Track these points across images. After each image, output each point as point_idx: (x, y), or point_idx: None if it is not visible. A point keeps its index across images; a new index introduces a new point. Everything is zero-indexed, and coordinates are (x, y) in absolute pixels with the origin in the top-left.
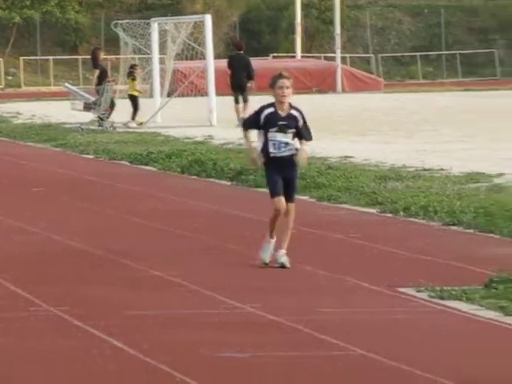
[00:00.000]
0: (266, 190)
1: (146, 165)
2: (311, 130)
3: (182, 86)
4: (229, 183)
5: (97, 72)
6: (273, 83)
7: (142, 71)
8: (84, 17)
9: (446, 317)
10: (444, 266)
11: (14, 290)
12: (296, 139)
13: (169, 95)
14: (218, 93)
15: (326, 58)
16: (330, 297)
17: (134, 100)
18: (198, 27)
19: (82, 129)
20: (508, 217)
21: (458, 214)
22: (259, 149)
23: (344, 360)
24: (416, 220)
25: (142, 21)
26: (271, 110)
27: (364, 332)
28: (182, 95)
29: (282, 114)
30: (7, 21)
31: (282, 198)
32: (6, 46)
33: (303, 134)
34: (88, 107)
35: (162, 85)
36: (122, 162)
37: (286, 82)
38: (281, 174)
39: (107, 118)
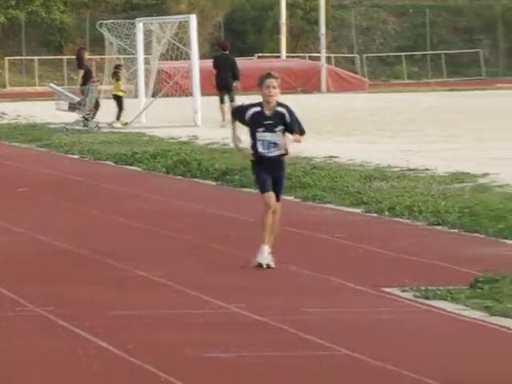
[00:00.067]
0: (251, 190)
1: (131, 165)
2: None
3: (167, 86)
4: (214, 183)
5: (81, 72)
6: (260, 82)
7: (126, 71)
8: (69, 17)
9: (431, 317)
10: (429, 266)
11: (0, 291)
12: (287, 134)
13: (153, 95)
14: (203, 93)
15: (310, 58)
16: (315, 297)
17: (118, 100)
18: (183, 27)
19: (67, 129)
20: (493, 216)
21: (442, 214)
22: (247, 145)
23: (329, 360)
24: (401, 220)
25: (127, 21)
26: (257, 109)
27: (349, 332)
28: (167, 95)
29: (268, 113)
30: None
31: (272, 194)
32: None
33: (294, 128)
34: (73, 107)
35: (146, 85)
36: (107, 162)
37: (274, 82)
38: (269, 173)
39: (92, 118)
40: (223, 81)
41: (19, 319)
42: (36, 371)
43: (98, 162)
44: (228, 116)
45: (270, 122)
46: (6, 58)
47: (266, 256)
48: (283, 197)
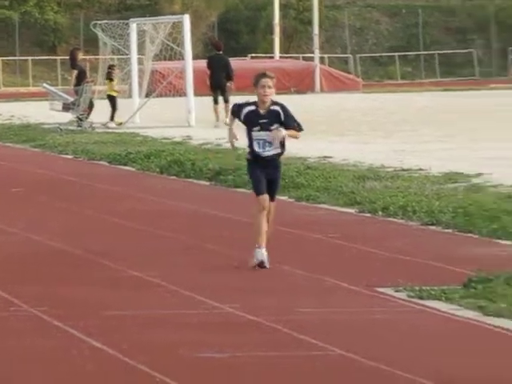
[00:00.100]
0: (244, 190)
1: (125, 165)
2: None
3: (161, 86)
4: (207, 183)
5: (75, 72)
6: (256, 82)
7: (120, 71)
8: (63, 17)
9: (425, 317)
10: (423, 266)
11: None
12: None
13: (147, 96)
14: (197, 93)
15: (304, 59)
16: (308, 297)
17: (112, 100)
18: (177, 27)
19: (61, 129)
20: (486, 217)
21: (436, 214)
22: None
23: (323, 360)
24: (395, 220)
25: (121, 21)
26: (252, 108)
27: (343, 332)
28: (161, 95)
29: (263, 112)
30: None
31: (267, 197)
32: None
33: (290, 125)
34: (67, 108)
35: (140, 85)
36: (101, 162)
37: (269, 82)
38: (264, 173)
39: (86, 118)
40: (217, 81)
41: (13, 319)
42: (30, 371)
43: (92, 162)
44: (221, 116)
45: (264, 120)
46: (0, 59)
47: (263, 253)
48: (277, 196)
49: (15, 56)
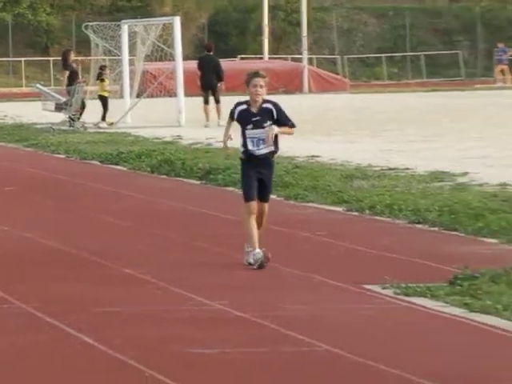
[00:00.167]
0: (234, 189)
1: (117, 164)
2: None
3: (152, 86)
4: (198, 182)
5: (67, 73)
6: (248, 81)
7: (111, 72)
8: (55, 19)
9: (411, 313)
10: (409, 264)
11: None
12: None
13: (138, 96)
14: (187, 93)
15: (293, 60)
16: (296, 293)
17: (103, 101)
18: (167, 29)
19: (54, 129)
20: (472, 215)
21: (422, 213)
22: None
23: (310, 356)
24: (381, 218)
25: (113, 23)
26: (244, 107)
27: (330, 328)
28: (152, 96)
29: (255, 110)
30: None
31: (255, 203)
32: None
33: (282, 121)
34: (59, 108)
35: (131, 86)
36: (93, 161)
37: (261, 81)
38: (257, 173)
39: (78, 118)
40: (208, 81)
41: (6, 316)
42: (23, 367)
43: (84, 162)
44: (211, 116)
45: (257, 118)
46: None
47: (261, 253)
48: None
49: (8, 57)
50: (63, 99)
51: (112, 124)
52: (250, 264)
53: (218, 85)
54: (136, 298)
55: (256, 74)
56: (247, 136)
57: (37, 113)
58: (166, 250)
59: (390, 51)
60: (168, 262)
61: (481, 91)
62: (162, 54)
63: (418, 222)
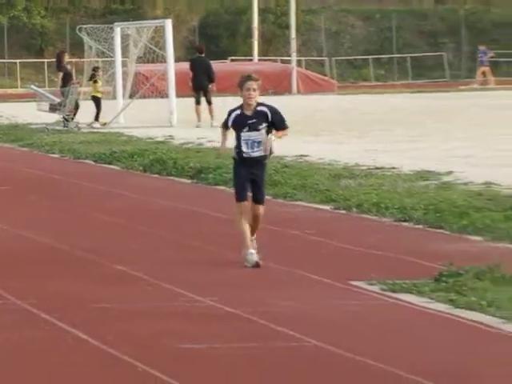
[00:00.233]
0: (225, 188)
1: (110, 164)
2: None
3: (144, 87)
4: (189, 181)
5: (61, 74)
6: (241, 84)
7: (104, 73)
8: (50, 21)
9: (398, 309)
10: (395, 261)
11: None
12: (269, 135)
13: (131, 97)
14: (178, 94)
15: (282, 61)
16: (285, 290)
17: (96, 101)
18: (159, 31)
19: (48, 129)
20: (457, 213)
21: (408, 211)
22: (231, 145)
23: (299, 351)
24: (368, 216)
25: (106, 25)
26: (238, 112)
27: (318, 324)
28: (144, 97)
29: (249, 113)
30: None
31: (247, 203)
32: None
33: (277, 125)
34: (53, 108)
35: (124, 87)
36: (87, 161)
37: (254, 84)
38: (249, 174)
39: (72, 118)
40: (199, 83)
41: (2, 312)
42: (18, 362)
43: (78, 161)
44: (203, 117)
45: (253, 120)
46: None
47: (254, 253)
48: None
49: (4, 59)
50: (57, 100)
51: (105, 124)
52: (257, 264)
53: (210, 86)
54: (129, 294)
55: (249, 78)
56: (242, 138)
57: (32, 113)
58: (158, 248)
59: (376, 53)
60: (160, 259)
61: (465, 92)
62: (153, 55)
63: (404, 220)
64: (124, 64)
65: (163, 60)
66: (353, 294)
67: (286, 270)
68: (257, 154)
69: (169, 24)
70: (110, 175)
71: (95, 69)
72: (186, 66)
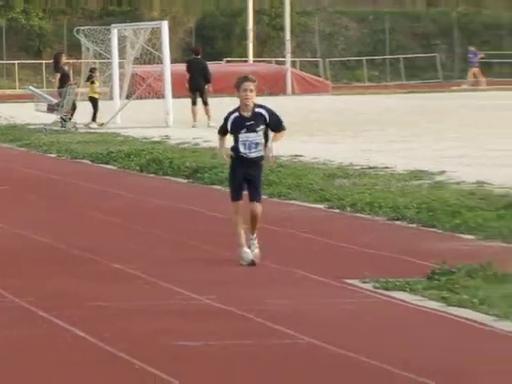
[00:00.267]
0: (220, 188)
1: (107, 164)
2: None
3: (141, 88)
4: (185, 181)
5: (58, 75)
6: (238, 85)
7: (100, 74)
8: (47, 23)
9: (391, 307)
10: (388, 259)
11: None
12: (267, 146)
13: (128, 97)
14: (174, 95)
15: (276, 62)
16: (281, 288)
17: (94, 102)
18: (156, 33)
19: (46, 129)
20: (449, 212)
21: (401, 210)
22: (228, 147)
23: (293, 348)
24: (362, 215)
25: (103, 27)
26: (236, 114)
27: (312, 321)
28: (141, 97)
29: (247, 114)
30: None
31: (242, 202)
32: None
33: (274, 126)
34: (51, 109)
35: (121, 88)
36: (84, 160)
37: (251, 85)
38: (245, 174)
39: (69, 119)
40: (196, 84)
41: (0, 310)
42: (16, 360)
43: (75, 161)
44: (198, 117)
45: (251, 122)
46: None
47: (249, 252)
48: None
49: (2, 60)
50: (55, 101)
51: (102, 124)
52: (253, 263)
53: (206, 87)
54: (126, 292)
55: (246, 79)
56: (240, 139)
57: (30, 114)
58: (154, 247)
59: (370, 54)
60: (157, 258)
61: (457, 93)
62: (150, 57)
63: (397, 219)
64: (121, 65)
65: (160, 61)
66: (347, 292)
67: (281, 268)
68: (254, 155)
69: (165, 26)
70: (106, 175)
71: (92, 70)
72: (182, 67)
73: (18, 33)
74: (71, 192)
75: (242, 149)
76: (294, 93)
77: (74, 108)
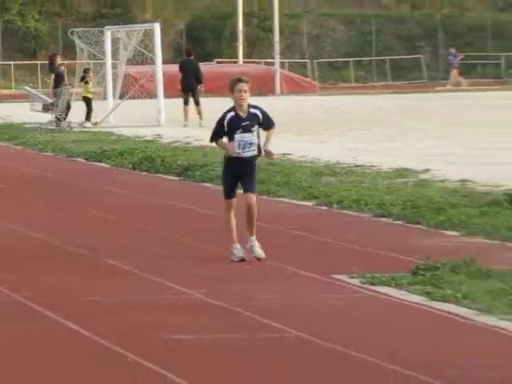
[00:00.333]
0: (211, 185)
1: (100, 162)
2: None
3: (133, 88)
4: (176, 178)
5: (53, 76)
6: (232, 87)
7: (94, 75)
8: (43, 25)
9: (377, 302)
10: (374, 255)
11: None
12: (268, 149)
13: (121, 97)
14: (166, 95)
15: (266, 63)
16: (270, 284)
17: (87, 102)
18: (148, 35)
19: (41, 128)
20: (434, 209)
21: (387, 207)
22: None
23: (281, 341)
24: (349, 212)
25: (97, 29)
26: (232, 114)
27: (301, 316)
28: (133, 97)
29: (243, 115)
30: None
31: (235, 200)
32: None
33: (266, 125)
34: (46, 108)
35: (114, 88)
36: (79, 159)
37: (245, 86)
38: (239, 172)
39: (64, 118)
40: (188, 84)
41: None
42: (12, 354)
43: (70, 159)
44: (190, 116)
45: (246, 123)
46: None
47: (240, 248)
48: (240, 191)
49: None
50: (50, 100)
51: (96, 124)
52: (243, 259)
53: (198, 87)
54: (119, 288)
55: (240, 80)
56: (235, 139)
57: (25, 113)
58: (147, 244)
59: (357, 56)
60: (149, 254)
61: (441, 93)
62: (142, 58)
63: (383, 216)
64: (114, 66)
65: (152, 62)
66: (334, 287)
67: (270, 264)
68: (248, 154)
69: (157, 27)
70: (100, 173)
71: (86, 70)
72: (173, 67)
73: (14, 34)
74: (66, 189)
75: (237, 149)
76: (282, 93)
77: (68, 108)
